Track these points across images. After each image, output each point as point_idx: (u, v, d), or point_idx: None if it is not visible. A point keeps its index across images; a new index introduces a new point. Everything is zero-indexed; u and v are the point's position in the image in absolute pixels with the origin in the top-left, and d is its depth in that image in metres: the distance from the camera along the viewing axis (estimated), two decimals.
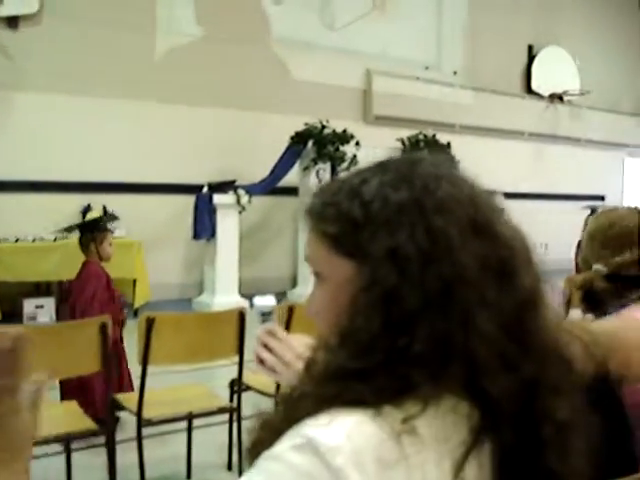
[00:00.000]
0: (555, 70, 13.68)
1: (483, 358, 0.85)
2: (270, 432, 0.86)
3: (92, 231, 4.71)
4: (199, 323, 3.37)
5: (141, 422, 3.30)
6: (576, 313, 2.06)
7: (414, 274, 0.86)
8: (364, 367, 0.85)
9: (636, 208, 2.15)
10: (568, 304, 5.35)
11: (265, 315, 1.54)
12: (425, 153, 1.00)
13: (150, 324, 3.14)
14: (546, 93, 13.72)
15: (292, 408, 0.88)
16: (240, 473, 3.55)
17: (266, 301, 1.56)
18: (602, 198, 15.07)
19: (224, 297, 8.63)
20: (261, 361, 1.39)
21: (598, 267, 2.00)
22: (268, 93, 10.08)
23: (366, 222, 0.90)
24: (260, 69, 10.07)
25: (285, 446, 0.81)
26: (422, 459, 0.82)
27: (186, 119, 9.39)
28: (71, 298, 4.68)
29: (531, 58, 13.69)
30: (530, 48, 13.70)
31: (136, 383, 3.52)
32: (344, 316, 0.90)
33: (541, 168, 13.67)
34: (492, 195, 0.98)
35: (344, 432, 0.80)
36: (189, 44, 9.50)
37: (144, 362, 3.20)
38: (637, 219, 2.06)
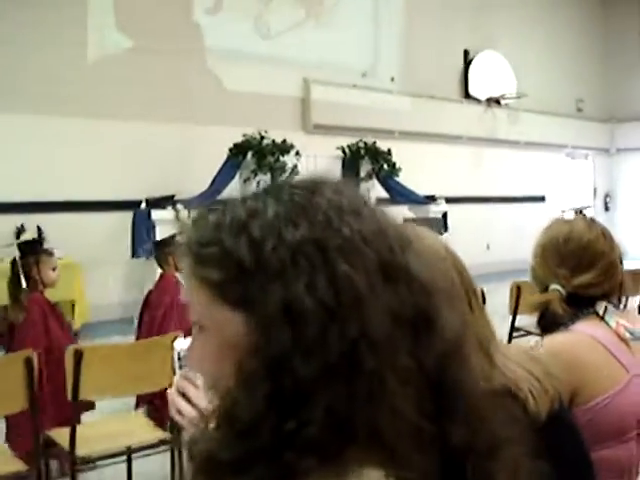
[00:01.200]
0: (491, 74, 13.79)
1: (394, 439, 0.70)
2: None
3: (169, 246, 4.99)
4: (131, 352, 3.20)
5: (75, 460, 3.11)
6: (533, 340, 1.95)
7: (312, 335, 0.70)
8: (242, 455, 0.69)
9: (592, 220, 2.02)
10: (515, 311, 5.28)
11: (183, 359, 1.36)
12: (325, 177, 0.83)
13: (79, 357, 2.97)
14: (483, 97, 13.81)
15: None
16: None
17: (185, 344, 1.37)
18: (543, 199, 15.25)
19: None
20: (179, 412, 1.23)
21: (556, 288, 1.87)
22: (204, 105, 9.91)
23: (256, 267, 0.73)
24: (195, 80, 9.89)
25: None
26: None
27: (120, 134, 9.15)
28: (148, 310, 4.97)
29: (467, 63, 13.77)
30: (466, 53, 13.78)
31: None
32: (226, 384, 0.73)
33: (481, 171, 13.76)
34: (403, 226, 0.83)
35: None
36: (120, 57, 9.26)
37: (75, 396, 3.02)
38: (594, 233, 1.92)
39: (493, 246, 13.47)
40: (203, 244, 0.77)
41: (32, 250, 4.32)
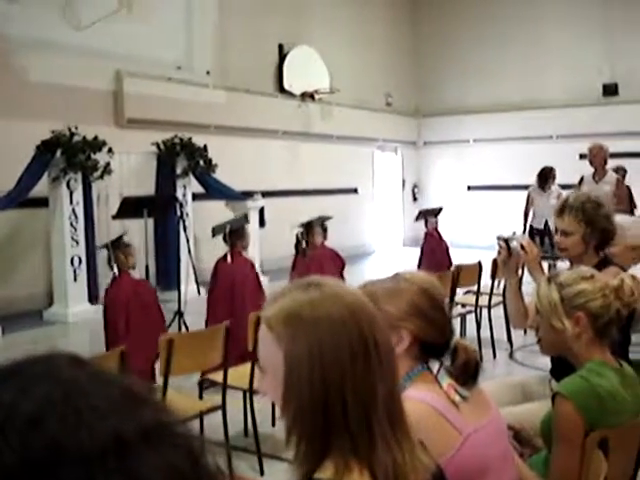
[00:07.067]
0: (305, 69, 14.00)
1: None
2: None
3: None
4: None
5: None
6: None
7: None
8: None
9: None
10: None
11: None
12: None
13: None
14: (298, 92, 14.00)
15: None
16: None
17: None
18: (355, 191, 15.73)
19: None
20: None
21: None
22: (8, 99, 9.34)
23: None
24: None
25: None
26: None
27: None
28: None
29: (282, 57, 13.90)
30: (281, 47, 13.90)
31: None
32: None
33: (297, 165, 13.97)
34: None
35: None
36: None
37: None
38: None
39: None
40: None
41: (309, 226, 7.54)
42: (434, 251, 9.65)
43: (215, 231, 6.99)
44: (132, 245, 5.83)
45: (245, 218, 7.47)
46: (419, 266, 9.43)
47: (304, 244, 7.48)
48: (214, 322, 5.58)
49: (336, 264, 7.67)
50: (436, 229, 9.88)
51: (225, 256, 6.40)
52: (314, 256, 7.39)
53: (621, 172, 10.60)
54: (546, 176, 10.63)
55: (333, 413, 1.26)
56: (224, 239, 6.46)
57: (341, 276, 7.29)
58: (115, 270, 5.52)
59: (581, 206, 3.39)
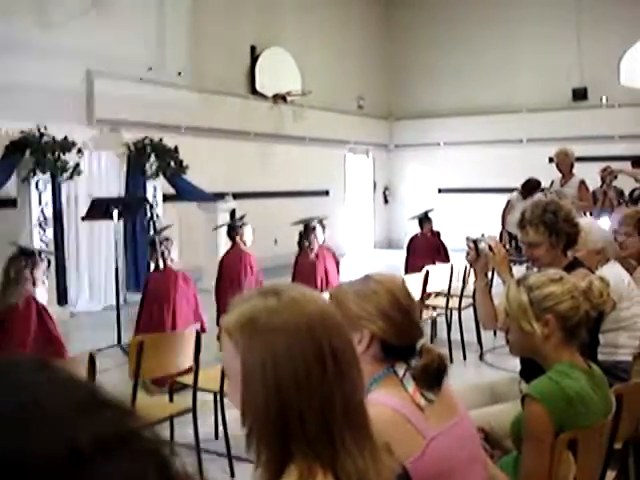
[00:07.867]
0: (278, 71, 13.98)
1: None
2: None
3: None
4: None
5: None
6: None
7: None
8: None
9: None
10: None
11: None
12: None
13: None
14: (270, 93, 13.99)
15: None
16: None
17: None
18: (327, 193, 15.74)
19: None
20: None
21: None
22: None
23: None
24: None
25: None
26: None
27: None
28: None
29: (254, 59, 13.87)
30: (253, 49, 13.88)
31: None
32: None
33: (269, 167, 13.94)
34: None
35: None
36: None
37: None
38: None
39: (280, 240, 13.70)
40: None
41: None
42: (436, 251, 9.34)
43: (215, 228, 8.04)
44: (171, 239, 6.38)
45: (243, 217, 7.98)
46: (406, 267, 9.29)
47: (308, 242, 7.79)
48: (221, 314, 6.14)
49: (334, 261, 7.97)
50: (431, 230, 9.61)
51: (228, 251, 7.24)
52: (317, 254, 7.72)
53: (607, 173, 10.56)
54: (533, 188, 10.64)
55: (290, 421, 1.26)
56: (228, 235, 7.31)
57: (338, 272, 7.95)
58: (160, 263, 6.08)
59: (540, 219, 3.41)
